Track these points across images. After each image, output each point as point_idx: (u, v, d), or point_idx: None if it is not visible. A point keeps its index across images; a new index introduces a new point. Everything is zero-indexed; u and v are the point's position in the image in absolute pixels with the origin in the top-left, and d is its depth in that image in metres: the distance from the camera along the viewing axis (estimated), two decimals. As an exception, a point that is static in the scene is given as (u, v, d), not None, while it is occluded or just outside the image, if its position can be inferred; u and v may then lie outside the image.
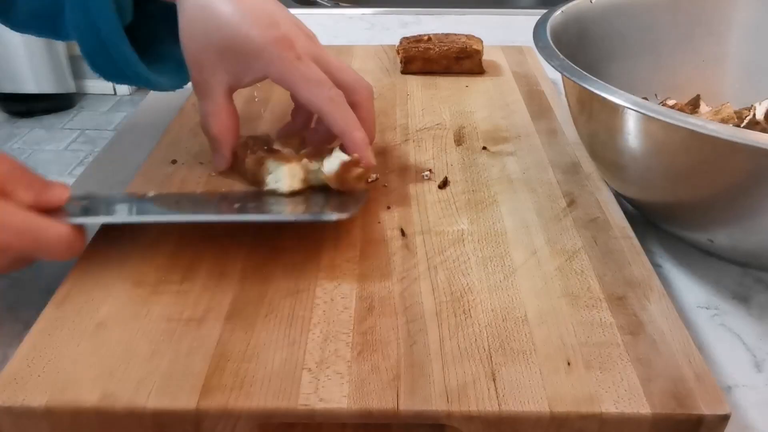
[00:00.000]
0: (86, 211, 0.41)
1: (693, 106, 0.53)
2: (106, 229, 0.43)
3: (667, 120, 0.36)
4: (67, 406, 0.31)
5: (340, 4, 1.03)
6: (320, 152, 0.46)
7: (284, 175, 0.44)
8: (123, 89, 3.05)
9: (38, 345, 0.34)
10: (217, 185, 0.48)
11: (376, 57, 0.73)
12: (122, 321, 0.36)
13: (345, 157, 0.43)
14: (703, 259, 0.46)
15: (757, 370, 0.38)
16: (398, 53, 0.69)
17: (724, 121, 0.49)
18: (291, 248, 0.42)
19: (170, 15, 0.48)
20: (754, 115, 0.49)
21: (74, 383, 0.32)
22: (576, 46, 0.49)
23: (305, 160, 0.45)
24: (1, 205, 0.36)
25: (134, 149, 0.58)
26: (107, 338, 0.35)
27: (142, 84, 0.51)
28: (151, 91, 0.71)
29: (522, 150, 0.53)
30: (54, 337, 0.35)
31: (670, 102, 0.54)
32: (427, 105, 0.61)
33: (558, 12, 0.51)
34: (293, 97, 0.47)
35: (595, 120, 0.45)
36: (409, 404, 0.31)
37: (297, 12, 0.99)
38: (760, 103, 0.51)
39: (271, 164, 0.45)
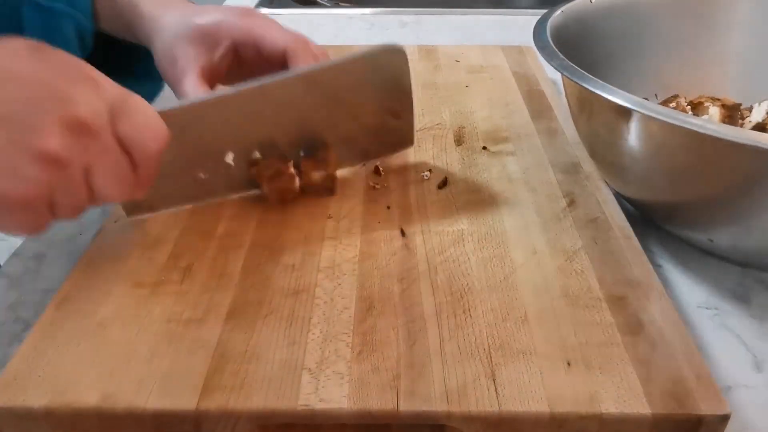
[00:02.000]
0: None
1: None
2: (107, 229, 0.43)
3: (667, 120, 0.36)
4: (67, 406, 0.31)
5: (340, 4, 1.03)
6: None
7: None
8: (123, 89, 3.03)
9: (38, 345, 0.34)
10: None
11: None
12: (122, 321, 0.36)
13: None
14: (703, 259, 0.46)
15: (757, 370, 0.38)
16: None
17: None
18: (291, 248, 0.42)
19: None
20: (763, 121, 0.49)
21: (74, 384, 0.32)
22: (576, 46, 0.49)
23: None
24: None
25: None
26: (107, 338, 0.35)
27: None
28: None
29: (522, 150, 0.53)
30: (54, 337, 0.35)
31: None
32: (427, 105, 0.61)
33: (558, 12, 0.51)
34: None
35: (595, 120, 0.45)
36: (409, 405, 0.31)
37: (297, 12, 0.99)
38: (759, 104, 0.51)
39: None
